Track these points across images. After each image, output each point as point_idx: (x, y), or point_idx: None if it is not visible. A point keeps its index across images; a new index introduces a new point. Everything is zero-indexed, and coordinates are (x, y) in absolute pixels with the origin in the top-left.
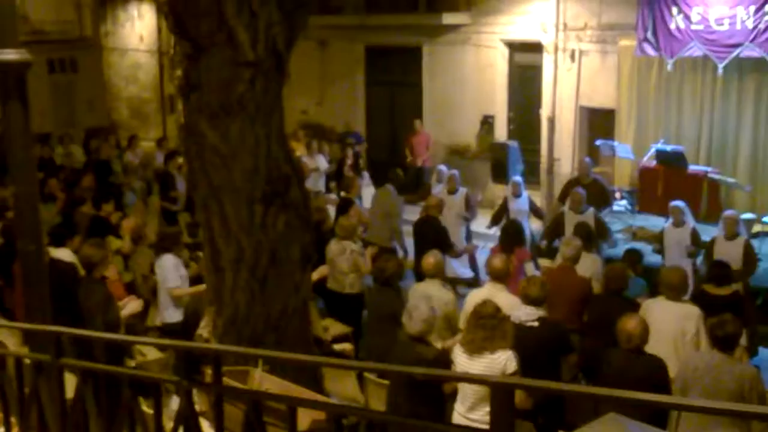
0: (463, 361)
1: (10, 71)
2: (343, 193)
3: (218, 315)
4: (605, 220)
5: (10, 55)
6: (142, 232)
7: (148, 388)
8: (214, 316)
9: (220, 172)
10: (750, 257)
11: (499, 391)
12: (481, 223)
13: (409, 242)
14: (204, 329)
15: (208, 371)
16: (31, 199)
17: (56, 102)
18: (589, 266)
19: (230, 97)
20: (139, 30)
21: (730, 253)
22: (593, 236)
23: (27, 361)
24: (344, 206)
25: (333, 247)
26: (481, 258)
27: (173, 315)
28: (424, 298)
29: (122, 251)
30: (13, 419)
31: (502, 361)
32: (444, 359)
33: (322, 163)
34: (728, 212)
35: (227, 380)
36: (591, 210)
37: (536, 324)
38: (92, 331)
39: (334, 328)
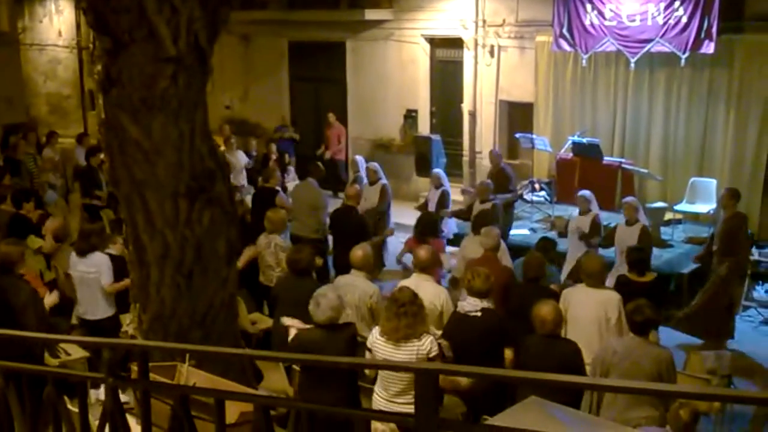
0: (385, 349)
1: None
2: (262, 183)
3: (144, 311)
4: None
5: None
6: (65, 231)
7: (73, 386)
8: (140, 312)
9: (143, 167)
10: (644, 242)
11: (422, 377)
12: (405, 215)
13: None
14: (129, 326)
15: (135, 368)
16: None
17: None
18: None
19: (152, 93)
20: (57, 25)
21: (628, 237)
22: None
23: None
24: (265, 196)
25: (260, 240)
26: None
27: (107, 310)
28: (333, 288)
29: (44, 250)
30: None
31: (426, 347)
32: (356, 341)
33: (242, 158)
34: (627, 198)
35: (154, 376)
36: (495, 200)
37: (479, 314)
38: (23, 327)
39: (262, 322)
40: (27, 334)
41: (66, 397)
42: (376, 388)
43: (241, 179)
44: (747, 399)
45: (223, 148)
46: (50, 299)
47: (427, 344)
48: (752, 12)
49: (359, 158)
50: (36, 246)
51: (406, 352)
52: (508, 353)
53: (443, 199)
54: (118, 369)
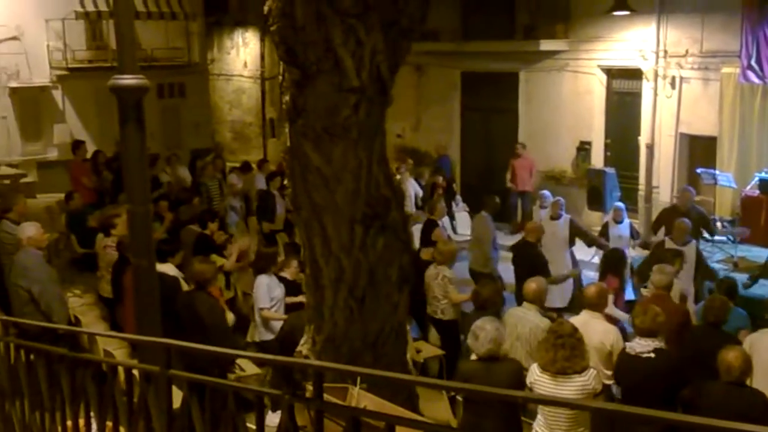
0: (546, 384)
1: (128, 96)
2: (427, 215)
3: (318, 332)
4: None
5: (130, 80)
6: (249, 252)
7: (247, 402)
8: (314, 333)
9: (322, 193)
10: None
11: (597, 416)
12: (580, 250)
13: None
14: (303, 346)
15: (309, 387)
16: (145, 217)
17: (164, 125)
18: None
19: (335, 122)
20: (243, 57)
21: None
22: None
23: (136, 372)
24: (427, 228)
25: (429, 271)
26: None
27: (264, 334)
28: (491, 320)
29: (225, 269)
30: (122, 429)
31: (591, 383)
32: (521, 373)
33: (413, 187)
34: None
35: (327, 396)
36: (693, 242)
37: (653, 355)
38: (203, 338)
39: (426, 350)
40: (212, 348)
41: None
42: (536, 426)
43: (410, 208)
44: None
45: (398, 176)
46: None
47: (591, 380)
48: None
49: (546, 193)
50: (218, 265)
51: (570, 389)
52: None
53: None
54: (291, 388)
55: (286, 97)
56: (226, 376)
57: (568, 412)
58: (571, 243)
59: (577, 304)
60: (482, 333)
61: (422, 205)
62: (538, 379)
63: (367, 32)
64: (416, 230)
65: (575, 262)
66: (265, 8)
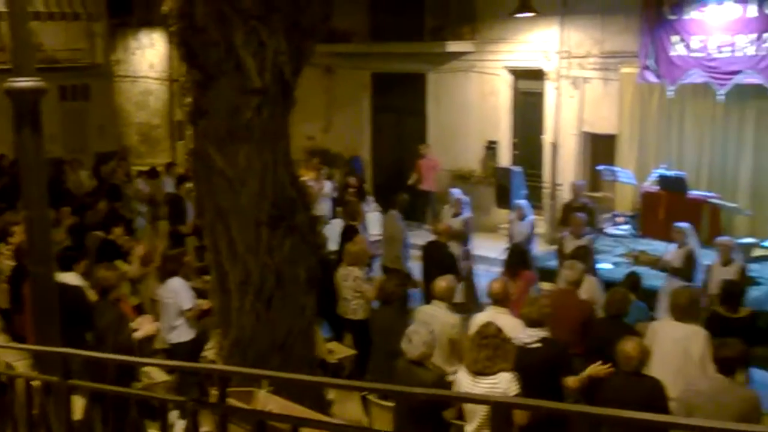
0: (467, 383)
1: (24, 99)
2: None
3: (224, 336)
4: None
5: (25, 83)
6: (151, 257)
7: (153, 410)
8: (220, 337)
9: (227, 195)
10: (744, 282)
11: (498, 411)
12: (485, 246)
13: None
14: (210, 351)
15: (214, 392)
16: (43, 223)
17: (68, 128)
18: (586, 288)
19: (238, 123)
20: (149, 58)
21: (725, 278)
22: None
23: (36, 383)
24: (348, 234)
25: (339, 272)
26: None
27: (185, 334)
28: (425, 322)
29: (129, 275)
30: None
31: (504, 384)
32: (444, 383)
33: (328, 188)
34: (722, 239)
35: (232, 400)
36: (589, 236)
37: (539, 345)
38: (104, 351)
39: (339, 351)
40: (110, 356)
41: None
42: (466, 425)
43: (324, 209)
44: None
45: (307, 177)
46: (148, 329)
47: (502, 383)
48: None
49: (455, 191)
50: (122, 271)
51: (483, 387)
52: (570, 381)
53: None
54: (198, 393)
55: (189, 99)
56: (130, 385)
57: (483, 408)
58: (467, 239)
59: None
60: (416, 336)
61: (337, 206)
62: (459, 379)
63: (270, 34)
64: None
65: (468, 257)
66: (164, 8)
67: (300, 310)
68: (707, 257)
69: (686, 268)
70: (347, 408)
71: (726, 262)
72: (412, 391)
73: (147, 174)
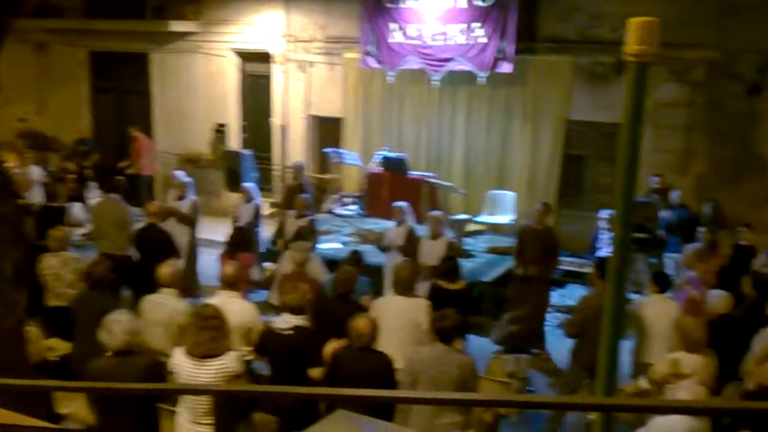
0: (189, 368)
1: None
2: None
3: None
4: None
5: None
6: None
7: None
8: None
9: None
10: (452, 254)
11: (221, 399)
12: (213, 230)
13: None
14: None
15: None
16: None
17: None
18: (311, 268)
19: None
20: None
21: (433, 251)
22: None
23: None
24: (51, 215)
25: (52, 261)
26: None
27: None
28: (125, 311)
29: None
30: None
31: (233, 363)
32: (159, 367)
33: (36, 174)
34: (432, 213)
35: None
36: (311, 217)
37: (292, 332)
38: None
39: (61, 347)
40: None
41: None
42: (180, 410)
43: (36, 197)
44: (543, 404)
45: (12, 164)
46: None
47: (231, 362)
48: (544, 34)
49: (178, 173)
50: None
51: (210, 372)
52: (315, 372)
53: (256, 214)
54: None
55: None
56: None
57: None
58: (195, 225)
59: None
60: (117, 325)
61: (49, 192)
62: (180, 364)
63: None
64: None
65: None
66: None
67: (9, 307)
68: (424, 232)
69: (407, 245)
70: (76, 405)
71: (435, 235)
72: (127, 387)
73: None
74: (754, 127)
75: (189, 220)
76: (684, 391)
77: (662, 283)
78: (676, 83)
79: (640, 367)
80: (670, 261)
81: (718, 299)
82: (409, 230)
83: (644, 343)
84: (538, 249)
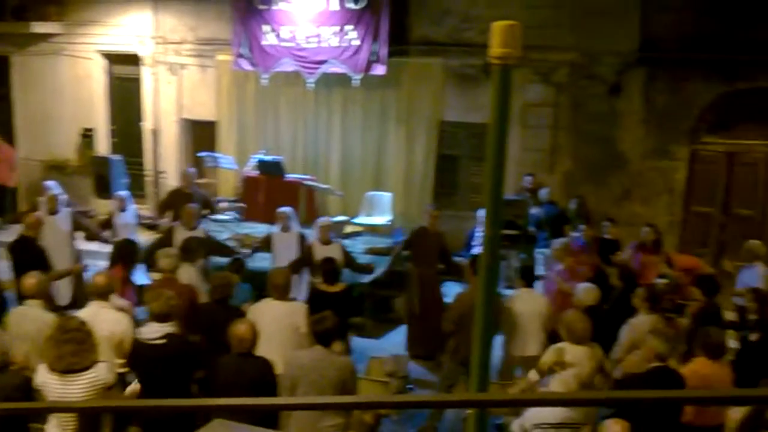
0: (56, 385)
1: None
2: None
3: None
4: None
5: None
6: None
7: None
8: None
9: None
10: (349, 258)
11: (85, 416)
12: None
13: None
14: None
15: None
16: None
17: None
18: (187, 275)
19: None
20: None
21: (326, 256)
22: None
23: None
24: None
25: None
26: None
27: None
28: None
29: None
30: None
31: (104, 374)
32: (29, 386)
33: None
34: (322, 219)
35: None
36: (201, 226)
37: (164, 341)
38: None
39: None
40: None
41: None
42: (48, 427)
43: None
44: (419, 404)
45: None
46: None
47: (102, 373)
48: (416, 37)
49: (50, 183)
50: None
51: (81, 387)
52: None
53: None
54: None
55: None
56: None
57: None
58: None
59: (81, 298)
60: None
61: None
62: (47, 381)
63: None
64: None
65: (80, 257)
66: None
67: None
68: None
69: (301, 251)
70: None
71: (326, 241)
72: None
73: None
74: (615, 126)
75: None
76: (556, 383)
77: (528, 277)
78: (541, 84)
79: (510, 361)
80: (540, 256)
81: (585, 292)
82: (300, 236)
83: (513, 337)
84: (431, 250)
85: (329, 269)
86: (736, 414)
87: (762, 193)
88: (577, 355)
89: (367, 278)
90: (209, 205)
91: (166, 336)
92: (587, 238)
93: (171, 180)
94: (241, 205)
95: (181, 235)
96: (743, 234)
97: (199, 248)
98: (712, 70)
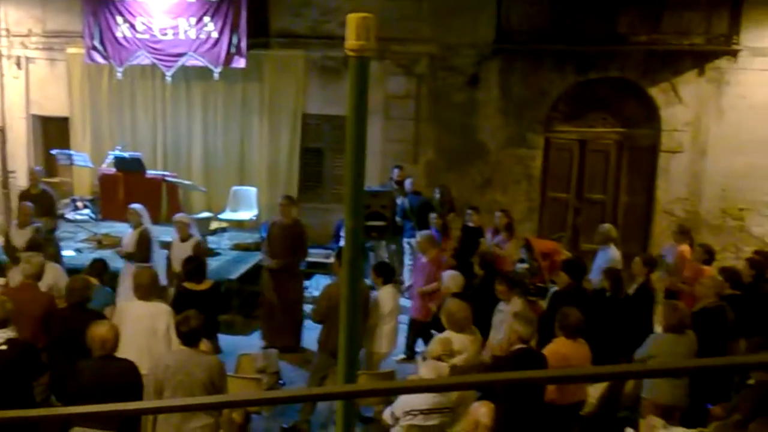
0: None
1: None
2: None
3: None
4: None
5: None
6: None
7: None
8: None
9: None
10: (201, 255)
11: None
12: None
13: None
14: None
15: None
16: None
17: None
18: (51, 277)
19: None
20: None
21: (184, 253)
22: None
23: None
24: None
25: None
26: None
27: None
28: None
29: None
30: None
31: None
32: None
33: None
34: (178, 216)
35: None
36: (36, 224)
37: (5, 347)
38: None
39: None
40: None
41: None
42: None
43: None
44: (290, 399)
45: None
46: None
47: None
48: (276, 29)
49: None
50: None
51: None
52: None
53: None
54: None
55: None
56: None
57: None
58: None
59: None
60: None
61: None
62: None
63: None
64: None
65: None
66: None
67: None
68: (169, 234)
69: (139, 251)
70: None
71: (184, 238)
72: None
73: None
74: (474, 116)
75: None
76: (425, 369)
77: (384, 273)
78: (403, 76)
79: (369, 357)
80: (408, 245)
81: (450, 279)
82: (140, 233)
83: (370, 331)
84: (286, 242)
85: (194, 267)
86: (596, 391)
87: (612, 179)
88: (463, 342)
89: (234, 274)
90: (52, 206)
91: (7, 342)
92: (437, 226)
93: (22, 180)
94: (99, 204)
95: (19, 235)
96: (596, 218)
97: (45, 241)
98: (565, 61)
